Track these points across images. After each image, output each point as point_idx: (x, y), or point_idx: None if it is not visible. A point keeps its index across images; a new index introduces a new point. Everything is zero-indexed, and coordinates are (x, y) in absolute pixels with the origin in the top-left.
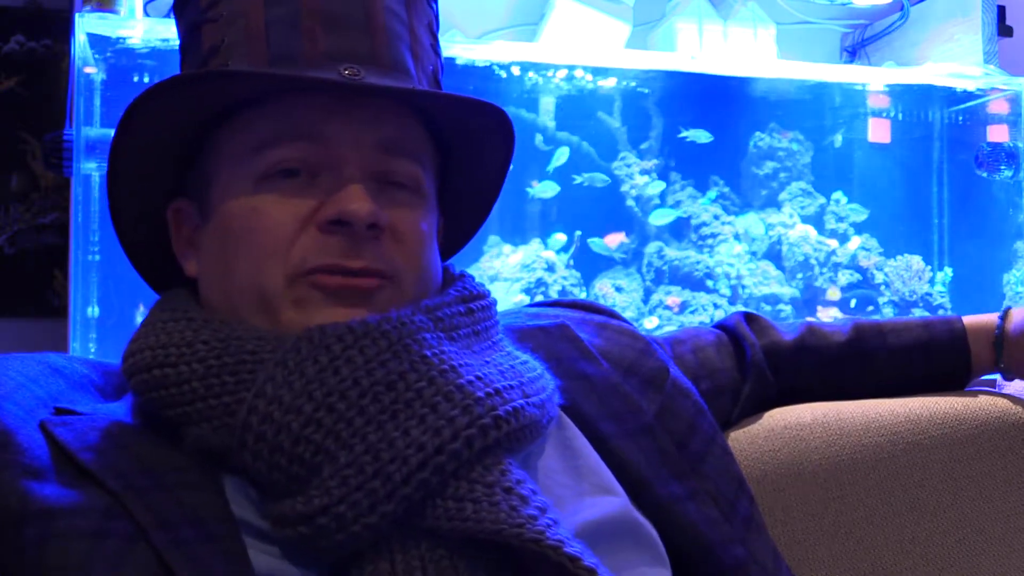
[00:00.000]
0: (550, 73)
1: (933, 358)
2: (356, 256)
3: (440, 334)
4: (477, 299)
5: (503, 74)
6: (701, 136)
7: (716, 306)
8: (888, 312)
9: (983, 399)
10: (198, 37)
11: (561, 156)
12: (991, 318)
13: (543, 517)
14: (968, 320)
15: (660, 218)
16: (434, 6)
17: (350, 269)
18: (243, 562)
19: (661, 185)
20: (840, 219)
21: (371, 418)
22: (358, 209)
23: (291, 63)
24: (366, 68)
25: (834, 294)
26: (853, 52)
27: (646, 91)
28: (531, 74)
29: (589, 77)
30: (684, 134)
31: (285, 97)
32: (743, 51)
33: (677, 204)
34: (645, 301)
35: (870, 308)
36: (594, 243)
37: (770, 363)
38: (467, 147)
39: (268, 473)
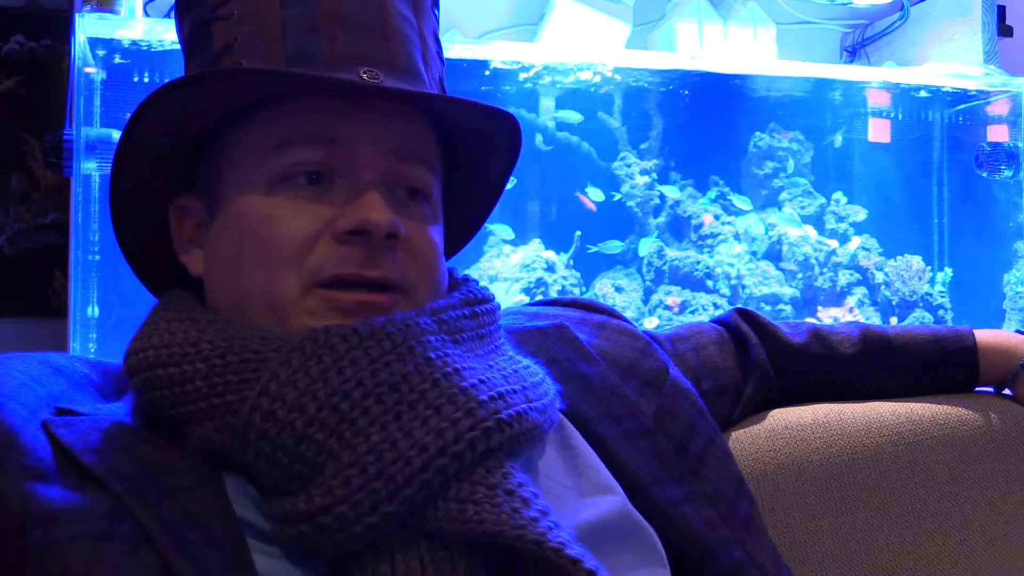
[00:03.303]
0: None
1: (940, 374)
2: (373, 266)
3: (444, 337)
4: (481, 303)
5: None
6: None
7: (716, 306)
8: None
9: (985, 400)
10: (208, 35)
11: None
12: (1008, 342)
13: (545, 520)
14: (981, 337)
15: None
16: (436, 13)
17: (367, 278)
18: (247, 565)
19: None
20: (840, 219)
21: (374, 418)
22: (378, 218)
23: (309, 63)
24: (383, 71)
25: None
26: (853, 52)
27: (646, 91)
28: (527, 74)
29: (589, 76)
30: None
31: (303, 97)
32: (743, 51)
33: (677, 204)
34: (645, 301)
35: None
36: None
37: (773, 364)
38: (474, 152)
39: (270, 471)
